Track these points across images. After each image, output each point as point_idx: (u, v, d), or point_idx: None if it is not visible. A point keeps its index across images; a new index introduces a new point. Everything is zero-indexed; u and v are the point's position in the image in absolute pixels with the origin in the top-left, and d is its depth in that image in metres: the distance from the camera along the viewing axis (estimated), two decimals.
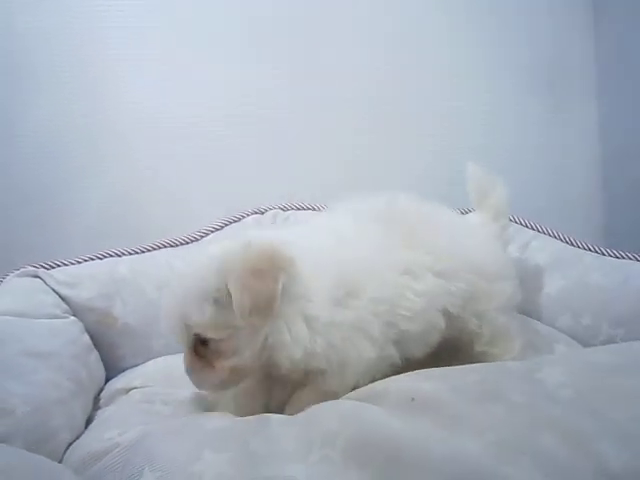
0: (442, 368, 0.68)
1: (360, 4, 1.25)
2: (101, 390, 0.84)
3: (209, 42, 1.19)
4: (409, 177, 1.29)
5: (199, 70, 1.19)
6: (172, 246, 1.02)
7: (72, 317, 0.85)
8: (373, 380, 0.67)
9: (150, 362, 0.91)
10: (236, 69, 1.20)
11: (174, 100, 1.18)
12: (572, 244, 1.01)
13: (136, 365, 0.91)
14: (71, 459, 0.64)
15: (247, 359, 0.64)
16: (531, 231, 1.08)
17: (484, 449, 0.50)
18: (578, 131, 1.39)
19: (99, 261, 0.95)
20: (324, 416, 0.57)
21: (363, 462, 0.50)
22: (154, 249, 1.01)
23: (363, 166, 1.27)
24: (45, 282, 0.86)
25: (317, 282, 0.65)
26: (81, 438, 0.69)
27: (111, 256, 0.96)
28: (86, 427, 0.73)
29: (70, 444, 0.68)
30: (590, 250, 0.97)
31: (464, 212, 1.02)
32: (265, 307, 0.60)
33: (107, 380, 0.88)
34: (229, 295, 0.61)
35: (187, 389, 0.78)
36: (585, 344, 0.89)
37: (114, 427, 0.66)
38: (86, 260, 0.94)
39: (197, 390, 0.77)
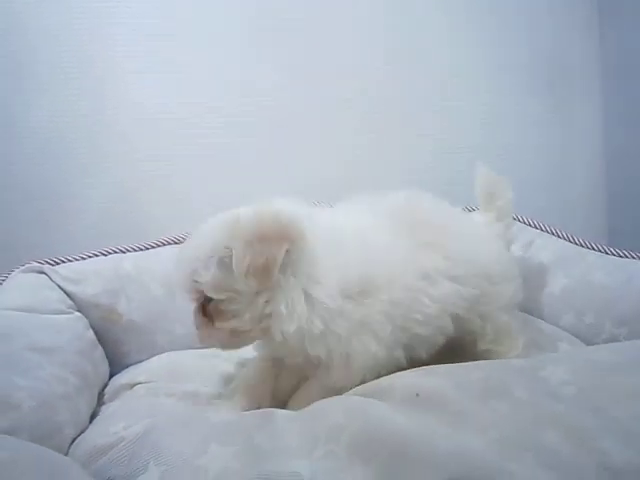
0: (446, 365, 0.68)
1: (360, 4, 1.25)
2: (105, 386, 0.84)
3: (210, 42, 1.19)
4: (409, 177, 1.29)
5: (199, 70, 1.19)
6: (176, 243, 1.03)
7: (77, 313, 0.85)
8: (378, 377, 0.67)
9: (154, 358, 0.91)
10: (236, 69, 1.20)
11: (175, 100, 1.18)
12: (575, 243, 1.01)
13: (140, 361, 0.92)
14: (76, 453, 0.64)
15: (246, 323, 0.65)
16: (534, 230, 1.08)
17: (488, 445, 0.50)
18: (578, 131, 1.39)
19: (104, 257, 0.95)
20: (329, 411, 0.58)
21: (368, 457, 0.50)
22: (158, 246, 1.01)
23: (363, 166, 1.28)
24: (50, 278, 0.86)
25: (332, 269, 0.65)
26: (86, 433, 0.69)
27: (115, 252, 0.96)
28: (90, 422, 0.73)
29: (74, 439, 0.68)
30: (593, 249, 0.97)
31: (470, 210, 1.02)
32: (263, 270, 0.61)
33: (111, 376, 0.88)
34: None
35: (192, 383, 0.79)
36: (588, 343, 0.89)
37: (119, 421, 0.66)
38: (91, 256, 0.94)
39: (201, 386, 0.78)
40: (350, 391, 0.66)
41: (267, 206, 0.67)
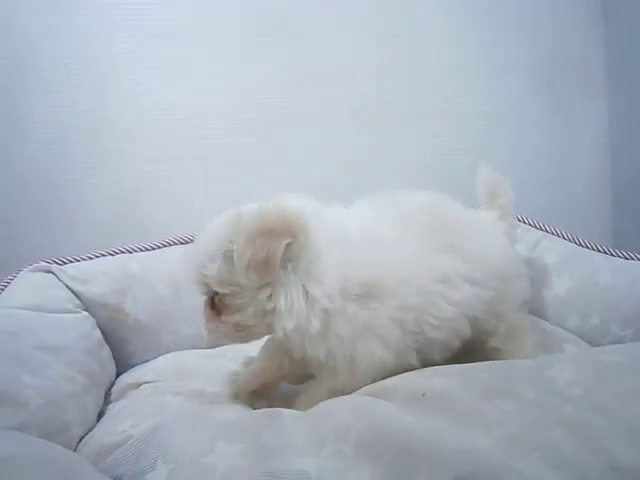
0: (453, 365, 0.68)
1: (360, 4, 1.25)
2: (112, 385, 0.85)
3: (211, 42, 1.19)
4: (409, 177, 1.29)
5: (200, 70, 1.19)
6: (182, 243, 1.03)
7: (84, 312, 0.86)
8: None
9: (160, 358, 0.91)
10: (237, 69, 1.20)
11: (176, 100, 1.18)
12: (581, 244, 1.00)
13: (146, 361, 0.92)
14: (84, 452, 0.64)
15: (249, 318, 0.65)
16: (540, 231, 1.08)
17: (495, 444, 0.50)
18: (579, 131, 1.38)
19: (111, 257, 0.95)
20: (336, 411, 0.58)
21: (375, 456, 0.51)
22: (164, 246, 1.01)
23: (363, 166, 1.28)
24: (58, 277, 0.87)
25: (333, 267, 0.64)
26: (93, 431, 0.70)
27: (122, 252, 0.97)
28: (98, 421, 0.74)
29: (82, 438, 0.68)
30: (599, 251, 0.97)
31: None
32: (264, 264, 0.61)
33: (117, 375, 0.88)
34: None
35: (197, 383, 0.79)
36: (594, 344, 0.89)
37: (126, 420, 0.67)
38: (98, 256, 0.94)
39: (207, 385, 0.79)
40: (358, 391, 0.66)
41: (272, 202, 0.68)
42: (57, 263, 0.90)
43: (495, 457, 0.49)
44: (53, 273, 0.87)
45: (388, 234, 0.70)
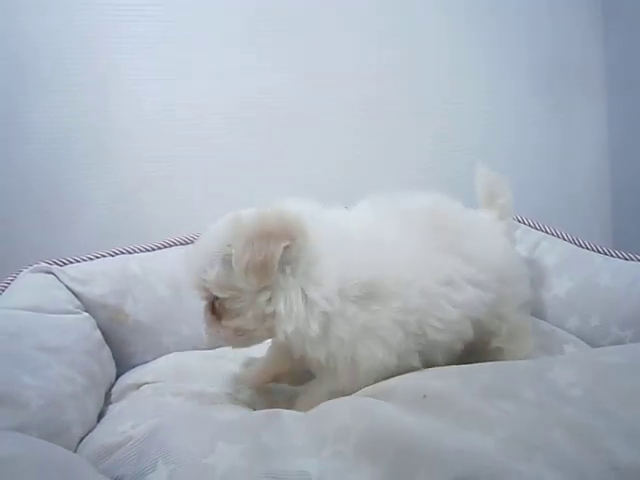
0: (452, 366, 0.69)
1: (360, 4, 1.25)
2: (112, 386, 0.85)
3: (211, 42, 1.19)
4: (409, 177, 1.29)
5: (200, 70, 1.19)
6: (182, 244, 1.03)
7: (85, 313, 0.86)
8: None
9: (161, 358, 0.91)
10: (237, 69, 1.20)
11: (176, 100, 1.18)
12: (581, 245, 1.00)
13: (146, 362, 0.92)
14: (84, 452, 0.64)
15: (249, 322, 0.65)
16: (540, 232, 1.08)
17: (496, 445, 0.50)
18: (579, 131, 1.39)
19: (111, 258, 0.95)
20: (336, 412, 0.58)
21: (375, 457, 0.51)
22: (165, 247, 1.01)
23: (363, 166, 1.28)
24: (58, 278, 0.87)
25: (332, 270, 0.64)
26: (94, 432, 0.70)
27: (123, 253, 0.97)
28: (98, 422, 0.74)
29: (82, 438, 0.68)
30: (599, 251, 0.97)
31: None
32: (262, 267, 0.61)
33: (117, 376, 0.88)
34: None
35: (197, 384, 0.79)
36: (594, 345, 0.89)
37: (127, 420, 0.67)
38: (98, 257, 0.94)
39: (207, 386, 0.79)
40: (358, 392, 0.66)
41: (271, 205, 0.68)
42: (57, 264, 0.90)
43: (495, 458, 0.49)
44: (53, 274, 0.87)
45: (389, 235, 0.70)
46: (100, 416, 0.76)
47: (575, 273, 0.97)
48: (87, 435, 0.69)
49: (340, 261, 0.65)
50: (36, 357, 0.70)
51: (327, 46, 1.24)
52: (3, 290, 0.83)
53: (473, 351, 0.76)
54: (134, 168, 1.18)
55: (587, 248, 0.99)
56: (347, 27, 1.25)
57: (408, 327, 0.67)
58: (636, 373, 0.61)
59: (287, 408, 0.68)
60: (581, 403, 0.56)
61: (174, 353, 0.93)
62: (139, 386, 0.80)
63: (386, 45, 1.27)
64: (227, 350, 0.91)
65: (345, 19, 1.25)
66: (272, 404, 0.72)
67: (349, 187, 1.23)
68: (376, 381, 0.66)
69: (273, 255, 0.61)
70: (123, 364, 0.91)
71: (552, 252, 1.03)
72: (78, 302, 0.86)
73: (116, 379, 0.87)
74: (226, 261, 0.64)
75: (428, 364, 0.70)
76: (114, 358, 0.89)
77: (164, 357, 0.92)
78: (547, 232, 1.07)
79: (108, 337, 0.89)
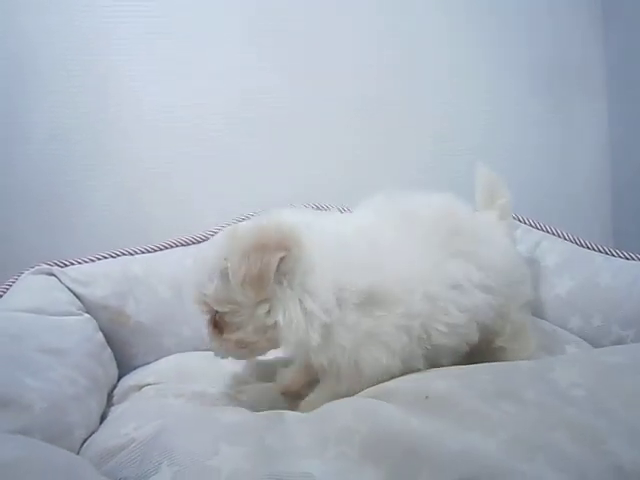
0: (455, 367, 0.69)
1: (360, 4, 1.25)
2: (114, 387, 0.85)
3: (211, 42, 1.19)
4: (409, 177, 1.29)
5: (201, 70, 1.19)
6: (183, 245, 1.03)
7: (86, 315, 0.86)
8: None
9: (162, 360, 0.91)
10: (237, 69, 1.20)
11: (176, 101, 1.18)
12: (581, 245, 1.00)
13: (148, 363, 0.92)
14: (87, 455, 0.64)
15: (250, 335, 0.66)
16: (540, 232, 1.08)
17: (498, 446, 0.50)
18: (580, 131, 1.39)
19: (112, 260, 0.95)
20: (339, 413, 0.58)
21: (379, 458, 0.51)
22: (166, 248, 1.01)
23: (363, 166, 1.28)
24: (60, 280, 0.87)
25: (329, 280, 0.64)
26: (96, 434, 0.70)
27: (124, 254, 0.97)
28: (100, 423, 0.74)
29: (85, 440, 0.68)
30: (600, 251, 0.97)
31: None
32: (258, 279, 0.61)
33: (119, 378, 0.88)
34: None
35: (199, 384, 0.79)
36: (595, 345, 0.89)
37: (129, 422, 0.66)
38: (99, 259, 0.94)
39: (209, 387, 0.79)
40: (359, 393, 0.66)
41: (268, 217, 0.68)
42: (58, 265, 0.90)
43: (498, 459, 0.49)
44: (55, 275, 0.87)
45: (391, 240, 0.70)
46: (102, 418, 0.76)
47: (576, 273, 0.97)
48: (90, 437, 0.69)
49: (335, 269, 0.65)
50: (38, 359, 0.70)
51: (327, 46, 1.24)
52: (4, 292, 0.83)
53: (476, 351, 0.76)
54: (134, 168, 1.18)
55: (588, 248, 0.99)
56: (347, 27, 1.25)
57: (413, 332, 0.67)
58: (637, 373, 0.61)
59: (289, 409, 0.69)
60: (583, 403, 0.56)
61: (175, 354, 0.93)
62: (141, 387, 0.80)
63: (386, 45, 1.27)
64: None
65: (345, 19, 1.25)
66: (274, 405, 0.72)
67: (349, 187, 1.24)
68: (375, 382, 0.66)
69: (268, 267, 0.61)
70: (125, 365, 0.91)
71: (553, 252, 1.03)
72: (80, 304, 0.86)
73: (118, 380, 0.87)
74: (224, 275, 0.64)
75: (432, 366, 0.70)
76: (115, 359, 0.89)
77: (165, 358, 0.92)
78: (548, 232, 1.07)
79: (110, 339, 0.89)
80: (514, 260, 0.82)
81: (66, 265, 0.91)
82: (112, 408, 0.78)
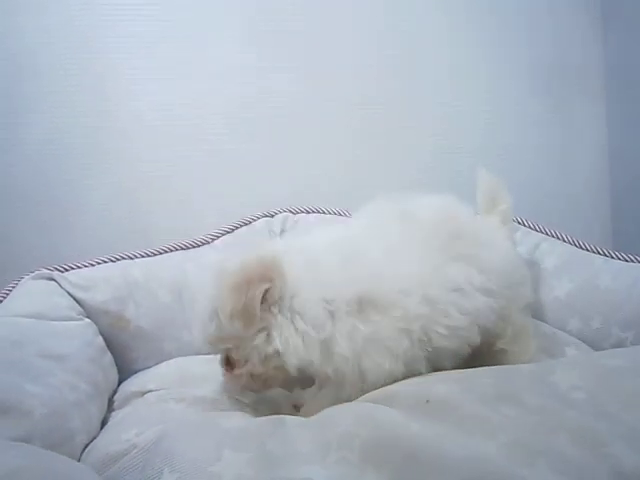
0: (455, 371, 0.69)
1: (360, 4, 1.25)
2: (114, 392, 0.85)
3: (210, 42, 1.19)
4: (409, 177, 1.29)
5: (200, 70, 1.19)
6: (183, 249, 1.03)
7: (87, 319, 0.86)
8: None
9: (163, 364, 0.91)
10: (236, 70, 1.21)
11: (175, 100, 1.18)
12: (581, 247, 1.01)
13: (148, 367, 0.92)
14: (88, 461, 0.64)
15: (256, 366, 0.68)
16: (540, 234, 1.08)
17: (499, 450, 0.50)
18: (579, 131, 1.39)
19: (112, 264, 0.95)
20: (339, 418, 0.58)
21: (380, 463, 0.51)
22: (166, 252, 1.01)
23: (363, 167, 1.28)
24: (60, 285, 0.87)
25: (314, 299, 0.66)
26: (97, 439, 0.69)
27: (124, 259, 0.97)
28: (101, 429, 0.74)
29: (86, 446, 0.68)
30: (599, 253, 0.97)
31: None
32: (244, 312, 0.64)
33: (119, 382, 0.88)
34: None
35: (201, 388, 0.79)
36: (595, 347, 0.89)
37: (130, 428, 0.66)
38: (99, 263, 0.94)
39: (211, 389, 0.79)
40: (360, 397, 0.66)
41: (252, 252, 0.70)
42: (59, 270, 0.90)
43: (499, 463, 0.49)
44: (55, 280, 0.87)
45: (387, 245, 0.71)
46: (103, 423, 0.75)
47: (575, 275, 0.97)
48: (91, 443, 0.69)
49: (319, 285, 0.67)
50: (39, 365, 0.70)
51: (327, 46, 1.24)
52: (4, 297, 0.83)
53: (477, 353, 0.76)
54: (132, 168, 1.18)
55: (587, 250, 0.99)
56: (347, 27, 1.25)
57: (413, 335, 0.67)
58: (637, 376, 0.61)
59: (290, 414, 0.69)
60: (584, 406, 0.56)
61: (176, 359, 0.93)
62: (143, 394, 0.80)
63: (386, 45, 1.27)
64: None
65: (345, 19, 1.25)
66: (275, 409, 0.72)
67: (349, 187, 1.25)
68: (381, 387, 0.67)
69: (253, 300, 0.64)
70: (125, 370, 0.91)
71: (552, 254, 1.03)
72: (80, 308, 0.86)
73: (118, 385, 0.87)
74: (219, 314, 0.66)
75: (435, 369, 0.71)
76: (116, 364, 0.89)
77: (166, 362, 0.92)
78: (547, 234, 1.07)
79: (110, 343, 0.89)
80: (515, 262, 0.82)
81: (66, 270, 0.91)
82: (113, 413, 0.78)
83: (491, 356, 0.78)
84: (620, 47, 1.32)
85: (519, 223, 1.11)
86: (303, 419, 0.63)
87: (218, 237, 1.08)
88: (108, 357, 0.87)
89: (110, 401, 0.82)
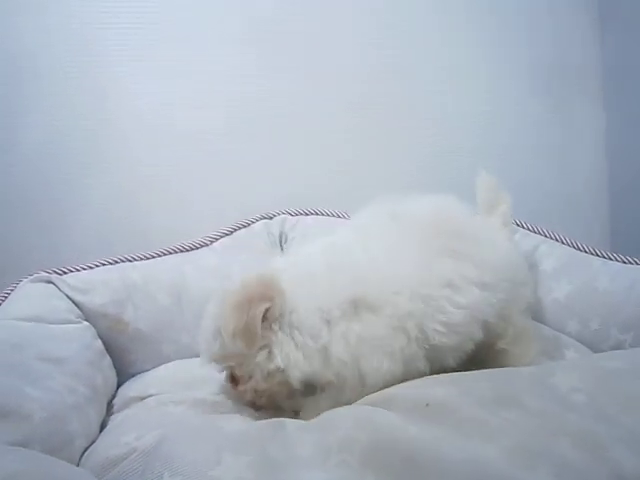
0: (454, 374, 0.69)
1: (360, 4, 1.25)
2: (113, 395, 0.85)
3: (209, 43, 1.19)
4: (409, 178, 1.29)
5: (199, 71, 1.19)
6: (182, 251, 1.03)
7: (85, 322, 0.85)
8: None
9: (162, 367, 0.91)
10: (236, 71, 1.20)
11: (175, 100, 1.18)
12: (579, 249, 1.01)
13: (146, 370, 0.92)
14: (87, 464, 0.64)
15: (261, 382, 0.69)
16: (539, 236, 1.08)
17: (499, 454, 0.50)
18: (579, 131, 1.39)
19: (111, 267, 0.95)
20: (339, 421, 0.58)
21: (380, 467, 0.51)
22: (164, 254, 1.01)
23: (363, 166, 1.28)
24: (58, 288, 0.87)
25: (310, 309, 0.68)
26: (96, 443, 0.69)
27: (122, 261, 0.96)
28: (100, 432, 0.73)
29: (85, 450, 0.68)
30: (597, 255, 0.97)
31: None
32: (246, 331, 0.66)
33: (118, 385, 0.88)
34: None
35: (200, 391, 0.79)
36: (594, 349, 0.89)
37: (130, 431, 0.66)
38: (98, 266, 0.94)
39: (210, 392, 0.79)
40: (360, 400, 0.66)
41: (252, 273, 0.72)
42: (57, 273, 0.90)
43: (499, 467, 0.49)
44: (53, 283, 0.87)
45: (377, 247, 0.73)
46: (102, 427, 0.75)
47: (574, 277, 0.97)
48: (90, 446, 0.69)
49: (313, 297, 0.69)
50: (38, 368, 0.70)
51: (327, 46, 1.24)
52: (3, 300, 0.83)
53: (477, 354, 0.77)
54: (132, 169, 1.18)
55: (586, 252, 0.99)
56: (347, 27, 1.25)
57: (409, 332, 0.68)
58: (637, 378, 0.61)
59: (290, 416, 0.69)
60: (584, 409, 0.56)
61: (174, 361, 0.93)
62: (143, 399, 0.80)
63: (386, 45, 1.27)
64: None
65: (345, 19, 1.25)
66: (276, 412, 0.72)
67: (349, 187, 1.25)
68: (382, 389, 0.67)
69: (254, 318, 0.66)
70: (123, 373, 0.90)
71: (551, 256, 1.03)
72: (79, 311, 0.86)
73: (117, 388, 0.87)
74: (221, 333, 0.68)
75: (439, 366, 0.72)
76: (114, 367, 0.89)
77: (164, 365, 0.92)
78: (546, 236, 1.07)
79: (108, 346, 0.88)
80: (515, 261, 0.83)
81: (64, 273, 0.91)
82: (112, 417, 0.78)
83: (492, 357, 0.79)
84: (617, 48, 1.32)
85: (518, 225, 1.11)
86: (303, 422, 0.63)
87: (217, 239, 1.08)
88: (107, 360, 0.86)
89: (109, 405, 0.82)
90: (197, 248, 1.05)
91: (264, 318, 0.67)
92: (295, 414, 0.70)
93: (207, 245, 1.06)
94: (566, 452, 0.50)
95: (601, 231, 1.42)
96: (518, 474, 0.48)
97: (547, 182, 1.38)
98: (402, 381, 0.68)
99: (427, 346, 0.70)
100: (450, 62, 1.30)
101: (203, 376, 0.84)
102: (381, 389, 0.67)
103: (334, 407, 0.64)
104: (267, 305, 0.67)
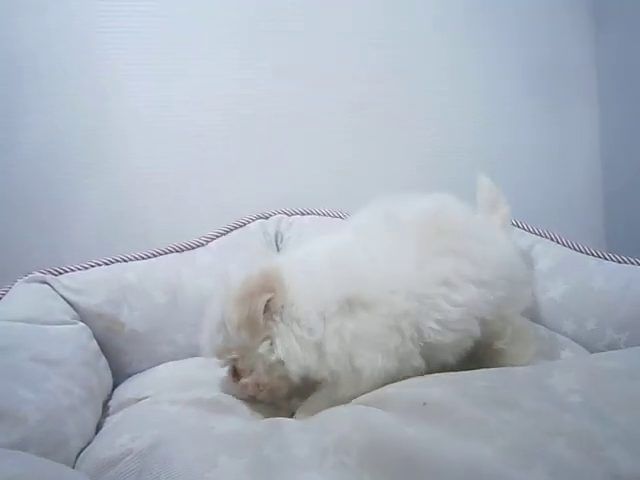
0: (452, 373, 0.69)
1: (360, 4, 1.25)
2: (109, 397, 0.84)
3: (209, 42, 1.18)
4: (409, 177, 1.29)
5: (199, 70, 1.18)
6: (178, 251, 1.03)
7: (81, 323, 0.85)
8: None
9: (158, 367, 0.90)
10: (235, 70, 1.20)
11: (173, 97, 1.18)
12: (575, 249, 1.01)
13: (142, 370, 0.91)
14: (83, 466, 0.64)
15: (262, 375, 0.70)
16: (534, 236, 1.08)
17: (496, 454, 0.51)
18: (576, 131, 1.39)
19: (106, 267, 0.94)
20: (336, 422, 0.58)
21: (377, 467, 0.51)
22: (160, 254, 1.01)
23: (363, 166, 1.28)
24: (53, 288, 0.86)
25: (310, 304, 0.69)
26: (92, 444, 0.69)
27: (118, 262, 0.96)
28: (96, 433, 0.73)
29: (81, 451, 0.68)
30: (593, 255, 0.97)
31: None
32: (249, 322, 0.67)
33: (113, 386, 0.88)
34: None
35: (196, 392, 0.79)
36: (590, 348, 0.89)
37: (125, 433, 0.66)
38: (93, 266, 0.93)
39: (206, 392, 0.79)
40: (355, 400, 0.66)
41: (256, 266, 0.73)
42: (52, 273, 0.89)
43: (496, 467, 0.49)
44: (48, 284, 0.86)
45: (373, 247, 0.73)
46: (98, 428, 0.75)
47: (569, 276, 0.98)
48: (86, 448, 0.68)
49: (313, 292, 0.70)
50: (32, 369, 0.70)
51: (327, 46, 1.24)
52: None
53: (475, 354, 0.77)
54: (130, 167, 1.17)
55: (581, 251, 1.00)
56: (347, 27, 1.25)
57: (404, 331, 0.69)
58: (632, 378, 0.61)
59: (287, 415, 0.69)
60: (580, 409, 0.56)
61: (171, 362, 0.92)
62: (139, 400, 0.79)
63: (386, 45, 1.27)
64: None
65: (345, 19, 1.25)
66: (272, 411, 0.72)
67: (349, 187, 1.25)
68: (378, 386, 0.68)
69: (257, 310, 0.67)
70: (119, 373, 0.90)
71: (546, 255, 1.04)
72: (74, 312, 0.86)
73: (112, 388, 0.87)
74: (225, 326, 0.69)
75: (438, 364, 0.72)
76: (110, 368, 0.88)
77: (161, 366, 0.91)
78: (541, 235, 1.08)
79: (104, 347, 0.88)
80: (515, 260, 0.83)
81: (60, 273, 0.90)
82: (107, 418, 0.77)
83: (490, 356, 0.79)
84: (614, 48, 1.33)
85: (513, 224, 1.11)
86: (300, 422, 0.63)
87: (212, 239, 1.07)
88: (102, 361, 0.86)
89: (105, 406, 0.81)
90: (193, 248, 1.04)
91: (266, 308, 0.68)
92: (292, 414, 0.70)
93: (203, 245, 1.05)
94: (562, 452, 0.51)
95: (597, 230, 1.42)
96: (515, 474, 0.49)
97: (543, 181, 1.38)
98: (398, 379, 0.69)
99: (422, 344, 0.70)
100: (450, 62, 1.30)
101: (199, 376, 0.84)
102: (376, 387, 0.67)
103: (330, 406, 0.64)
104: (269, 296, 0.68)
